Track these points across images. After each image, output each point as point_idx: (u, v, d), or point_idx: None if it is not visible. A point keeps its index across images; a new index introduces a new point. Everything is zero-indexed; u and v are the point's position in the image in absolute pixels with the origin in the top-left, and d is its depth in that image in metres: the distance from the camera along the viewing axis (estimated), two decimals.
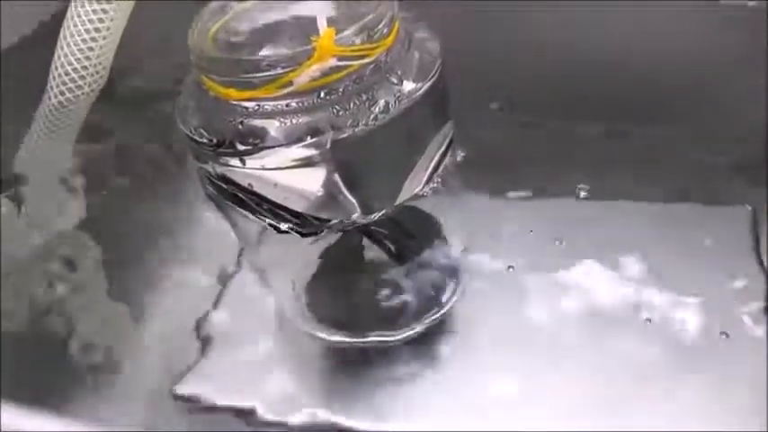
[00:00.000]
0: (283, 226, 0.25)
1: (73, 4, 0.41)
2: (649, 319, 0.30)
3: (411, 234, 0.30)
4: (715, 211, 0.34)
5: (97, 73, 0.44)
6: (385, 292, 0.30)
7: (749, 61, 0.41)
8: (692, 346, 0.29)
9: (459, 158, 0.26)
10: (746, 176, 0.35)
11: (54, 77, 0.43)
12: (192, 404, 0.29)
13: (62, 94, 0.44)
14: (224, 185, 0.25)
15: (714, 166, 0.36)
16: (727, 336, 0.29)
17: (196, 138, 0.24)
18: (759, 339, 0.28)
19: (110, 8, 0.41)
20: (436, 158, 0.26)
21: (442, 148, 0.26)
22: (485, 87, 0.42)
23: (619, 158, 0.37)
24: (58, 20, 0.43)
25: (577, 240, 0.33)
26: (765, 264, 0.31)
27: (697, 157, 0.37)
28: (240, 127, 0.23)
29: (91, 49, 0.42)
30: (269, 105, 0.23)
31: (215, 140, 0.24)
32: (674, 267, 0.31)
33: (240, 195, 0.25)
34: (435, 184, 0.26)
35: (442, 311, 0.30)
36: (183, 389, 0.30)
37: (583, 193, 0.35)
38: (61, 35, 0.42)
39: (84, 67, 0.43)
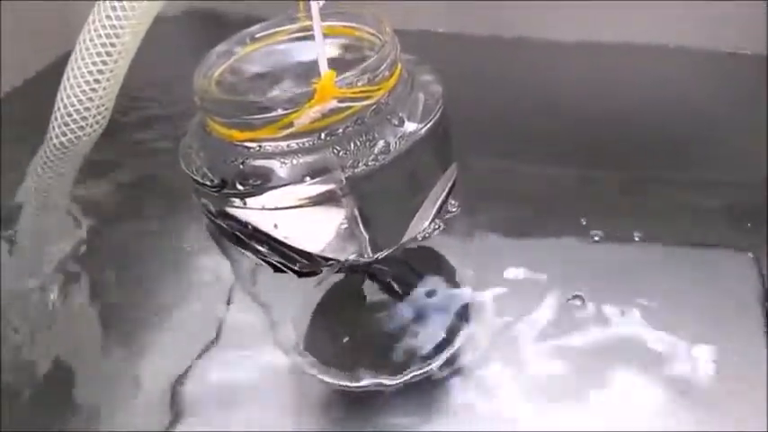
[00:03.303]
0: (280, 265, 0.25)
1: (77, 47, 0.42)
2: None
3: (417, 273, 0.30)
4: (716, 256, 0.34)
5: (99, 114, 0.44)
6: (388, 332, 0.30)
7: (749, 107, 0.42)
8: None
9: (455, 210, 0.26)
10: (746, 222, 0.35)
11: (56, 118, 0.44)
12: None
13: (64, 135, 0.44)
14: (225, 225, 0.25)
15: (714, 212, 0.36)
16: None
17: (199, 178, 0.24)
18: None
19: (114, 51, 0.42)
20: (440, 200, 0.26)
21: (446, 191, 0.26)
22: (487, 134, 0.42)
23: (624, 204, 0.38)
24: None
25: (586, 283, 0.33)
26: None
27: (697, 203, 0.37)
28: (242, 167, 0.23)
29: (94, 90, 0.42)
30: (270, 146, 0.23)
31: (217, 181, 0.24)
32: (678, 312, 0.31)
33: (241, 235, 0.25)
34: (438, 227, 0.26)
35: (449, 353, 0.30)
36: (180, 427, 0.29)
37: (595, 237, 0.35)
38: (64, 77, 0.43)
39: (87, 109, 0.43)
